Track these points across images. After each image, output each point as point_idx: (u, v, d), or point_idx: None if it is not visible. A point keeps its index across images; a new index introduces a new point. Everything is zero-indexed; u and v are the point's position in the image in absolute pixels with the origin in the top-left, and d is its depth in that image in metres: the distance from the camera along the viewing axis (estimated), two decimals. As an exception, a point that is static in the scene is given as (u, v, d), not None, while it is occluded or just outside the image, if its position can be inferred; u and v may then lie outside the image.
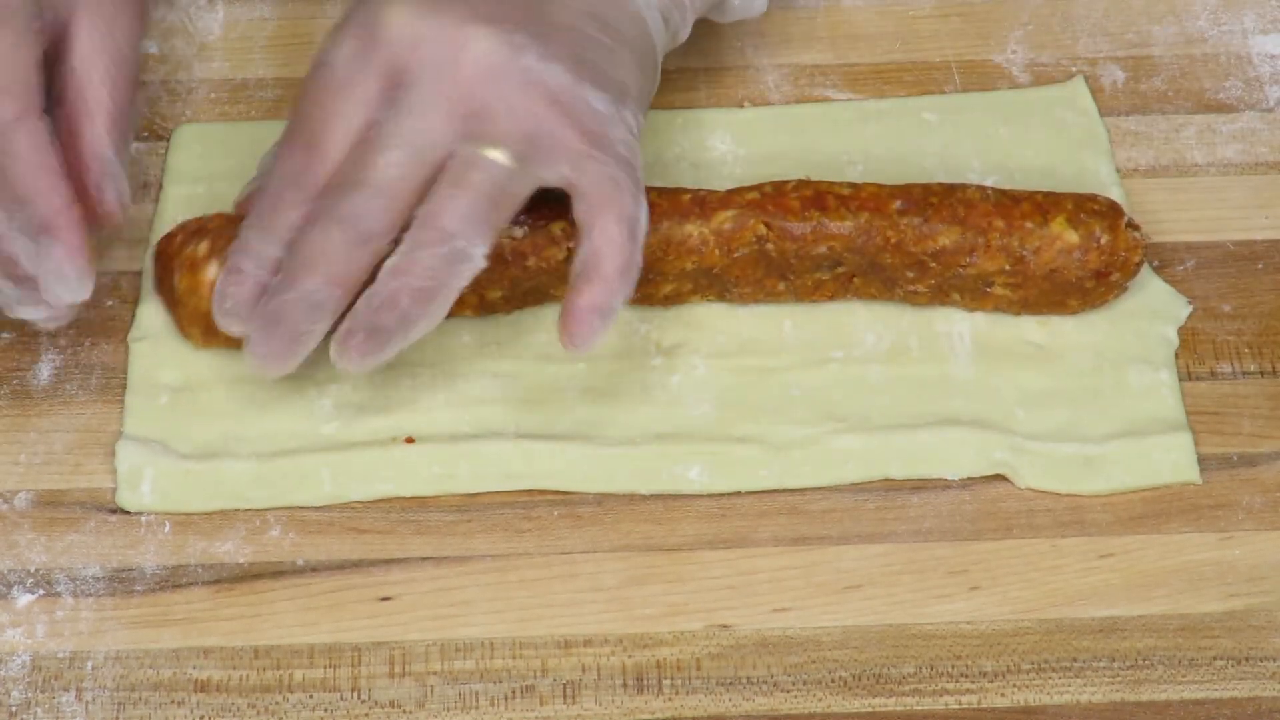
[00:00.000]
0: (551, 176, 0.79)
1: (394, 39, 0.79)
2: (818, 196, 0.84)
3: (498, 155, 0.78)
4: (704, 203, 0.84)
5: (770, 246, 0.83)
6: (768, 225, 0.83)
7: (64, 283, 0.79)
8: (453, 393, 0.85)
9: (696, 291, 0.86)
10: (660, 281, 0.84)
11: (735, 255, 0.84)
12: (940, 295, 0.86)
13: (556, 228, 0.83)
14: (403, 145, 0.78)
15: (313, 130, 0.79)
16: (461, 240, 0.77)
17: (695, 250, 0.83)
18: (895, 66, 0.96)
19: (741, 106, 0.95)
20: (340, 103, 0.79)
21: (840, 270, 0.85)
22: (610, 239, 0.78)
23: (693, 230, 0.83)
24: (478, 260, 0.78)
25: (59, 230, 0.79)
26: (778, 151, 0.92)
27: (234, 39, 0.97)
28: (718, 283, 0.85)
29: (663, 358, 0.86)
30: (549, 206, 0.83)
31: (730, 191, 0.84)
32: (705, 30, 0.97)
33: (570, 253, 0.82)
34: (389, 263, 0.78)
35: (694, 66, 0.95)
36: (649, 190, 0.83)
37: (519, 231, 0.82)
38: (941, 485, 0.83)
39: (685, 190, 0.84)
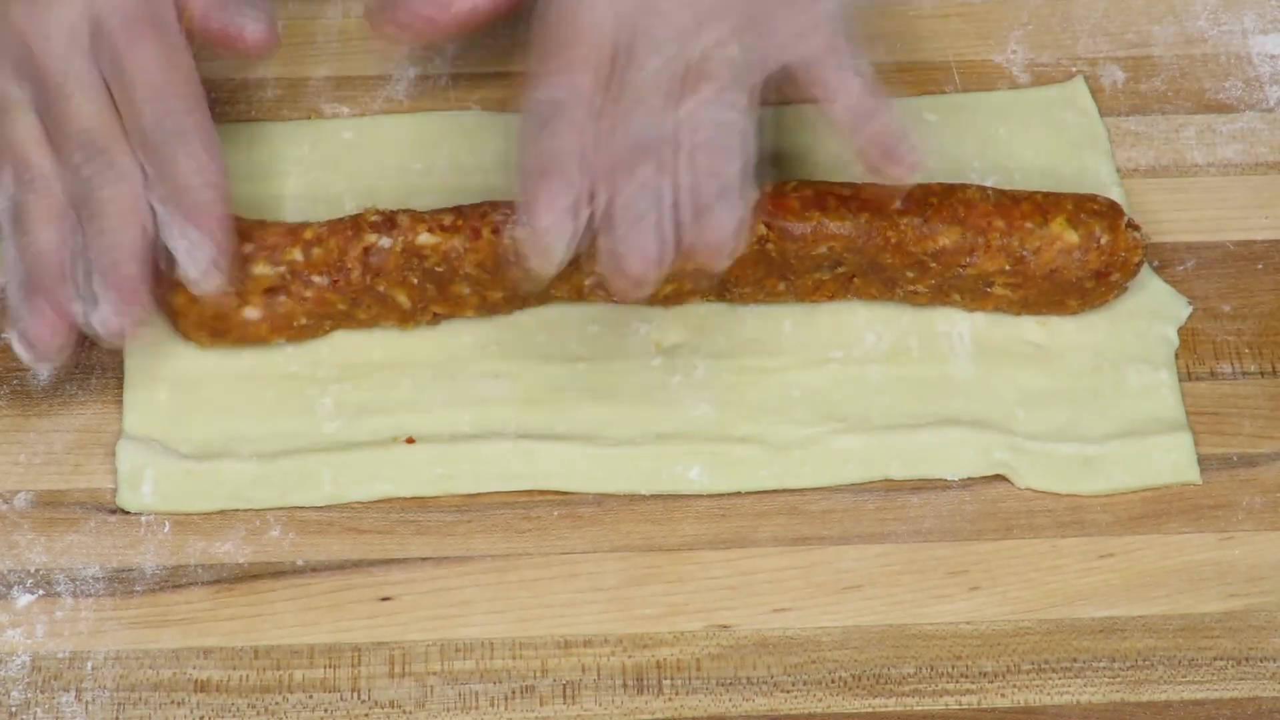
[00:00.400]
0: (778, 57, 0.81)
1: None
2: (818, 196, 0.84)
3: (732, 50, 0.80)
4: None
5: (770, 246, 0.83)
6: (768, 225, 0.83)
7: (196, 263, 0.80)
8: (453, 393, 0.85)
9: (696, 292, 0.86)
10: (660, 282, 0.84)
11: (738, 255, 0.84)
12: (940, 295, 0.86)
13: None
14: (661, 53, 0.79)
15: (569, 58, 0.80)
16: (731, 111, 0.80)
17: None
18: (895, 66, 0.96)
19: (741, 106, 0.95)
20: (584, 24, 0.80)
21: (840, 270, 0.85)
22: (851, 90, 0.81)
23: None
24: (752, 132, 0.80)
25: (208, 226, 0.80)
26: (778, 151, 0.92)
27: (234, 39, 0.97)
28: (718, 283, 0.85)
29: (663, 358, 0.86)
30: None
31: None
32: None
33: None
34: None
35: (694, 66, 0.95)
36: None
37: (520, 232, 0.82)
38: (941, 485, 0.83)
39: None
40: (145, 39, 0.81)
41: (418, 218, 0.83)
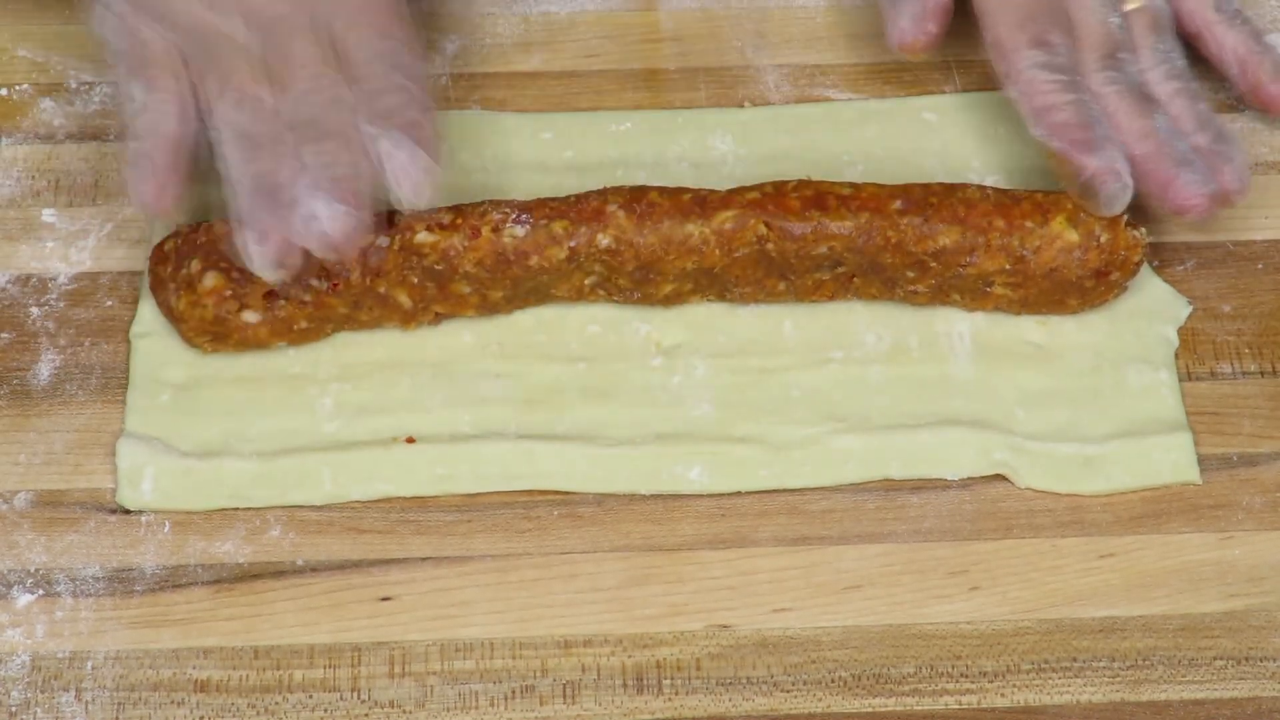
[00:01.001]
0: None
1: None
2: (818, 196, 0.84)
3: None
4: (704, 202, 0.84)
5: (770, 246, 0.83)
6: (768, 225, 0.83)
7: (410, 178, 0.81)
8: (453, 393, 0.85)
9: (697, 291, 0.86)
10: (660, 281, 0.84)
11: (736, 255, 0.84)
12: (940, 295, 0.86)
13: (558, 226, 0.83)
14: (1110, 6, 0.89)
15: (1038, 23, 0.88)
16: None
17: (696, 250, 0.83)
18: (895, 66, 0.96)
19: (742, 106, 0.95)
20: None
21: (840, 270, 0.85)
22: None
23: (693, 230, 0.83)
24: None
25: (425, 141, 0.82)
26: (778, 151, 0.92)
27: (234, 39, 0.97)
28: (718, 282, 0.85)
29: (663, 358, 0.86)
30: (550, 206, 0.83)
31: (731, 191, 0.84)
32: (706, 30, 0.97)
33: (572, 252, 0.82)
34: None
35: (694, 66, 0.96)
36: (648, 189, 0.83)
37: (520, 230, 0.83)
38: (941, 485, 0.83)
39: (686, 190, 0.84)
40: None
41: (415, 215, 0.83)
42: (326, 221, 0.79)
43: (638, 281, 0.84)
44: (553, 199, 0.84)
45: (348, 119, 0.82)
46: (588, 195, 0.84)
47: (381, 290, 0.84)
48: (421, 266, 0.83)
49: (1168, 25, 0.90)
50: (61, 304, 0.87)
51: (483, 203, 0.84)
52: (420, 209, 0.82)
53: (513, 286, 0.84)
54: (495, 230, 0.83)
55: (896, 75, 0.95)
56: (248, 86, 0.83)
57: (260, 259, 0.80)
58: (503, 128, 0.93)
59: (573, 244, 0.82)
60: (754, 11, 0.98)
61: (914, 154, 0.92)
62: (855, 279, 0.85)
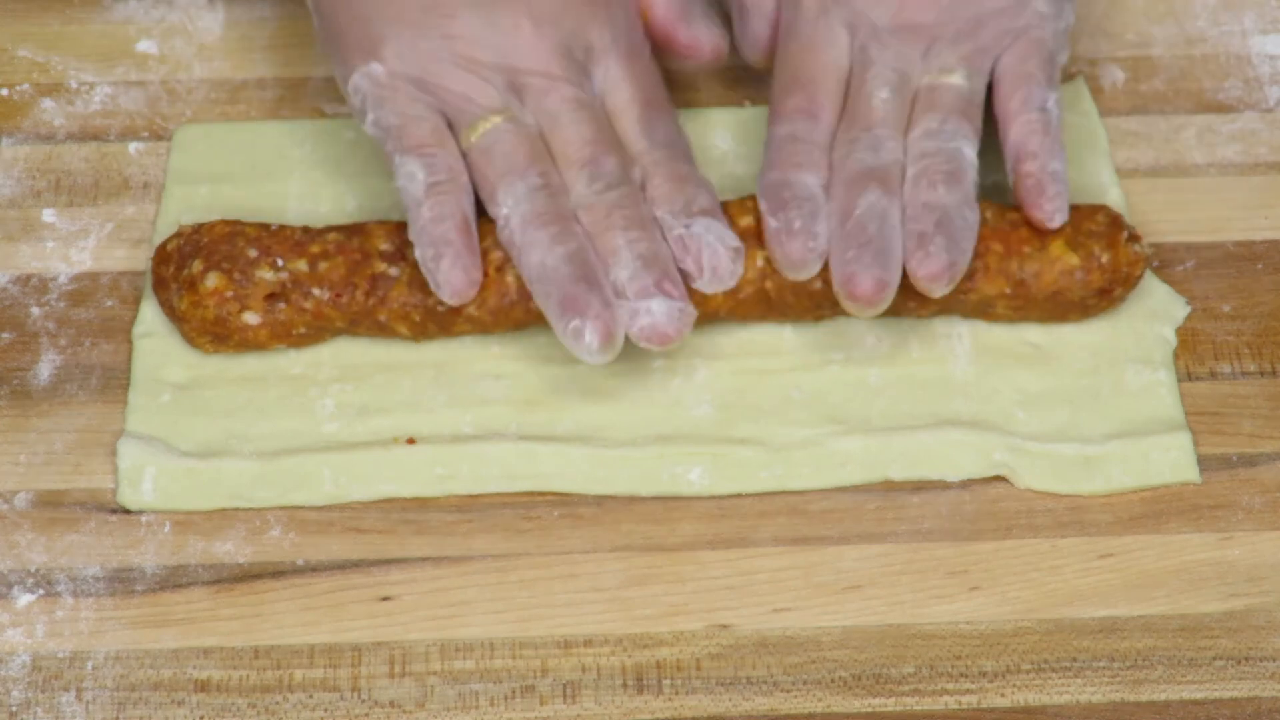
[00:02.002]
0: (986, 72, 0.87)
1: None
2: None
3: (956, 79, 0.86)
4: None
5: (769, 284, 0.83)
6: (767, 260, 0.83)
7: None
8: (454, 393, 0.85)
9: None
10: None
11: (740, 297, 0.84)
12: (943, 315, 0.86)
13: None
14: (889, 84, 0.85)
15: (811, 93, 0.86)
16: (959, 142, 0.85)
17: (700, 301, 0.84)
18: (895, 66, 0.96)
19: (742, 105, 0.95)
20: (821, 61, 0.86)
21: (840, 307, 0.85)
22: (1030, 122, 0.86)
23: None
24: (974, 158, 0.85)
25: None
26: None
27: (234, 39, 0.97)
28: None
29: (663, 359, 0.86)
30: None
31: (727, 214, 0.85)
32: (705, 30, 0.97)
33: None
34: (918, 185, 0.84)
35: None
36: None
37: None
38: (941, 485, 0.83)
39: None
40: (633, 60, 0.87)
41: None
42: (662, 317, 0.80)
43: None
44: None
45: (642, 205, 0.83)
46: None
47: (381, 318, 0.84)
48: (424, 306, 0.83)
49: (956, 106, 0.85)
50: (62, 304, 0.87)
51: (484, 238, 0.84)
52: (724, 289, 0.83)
53: (515, 328, 0.84)
54: (499, 270, 0.83)
55: (896, 75, 0.95)
56: (536, 165, 0.83)
57: (592, 345, 0.80)
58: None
59: None
60: (754, 11, 0.98)
61: (914, 154, 0.92)
62: None
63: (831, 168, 0.84)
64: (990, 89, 0.87)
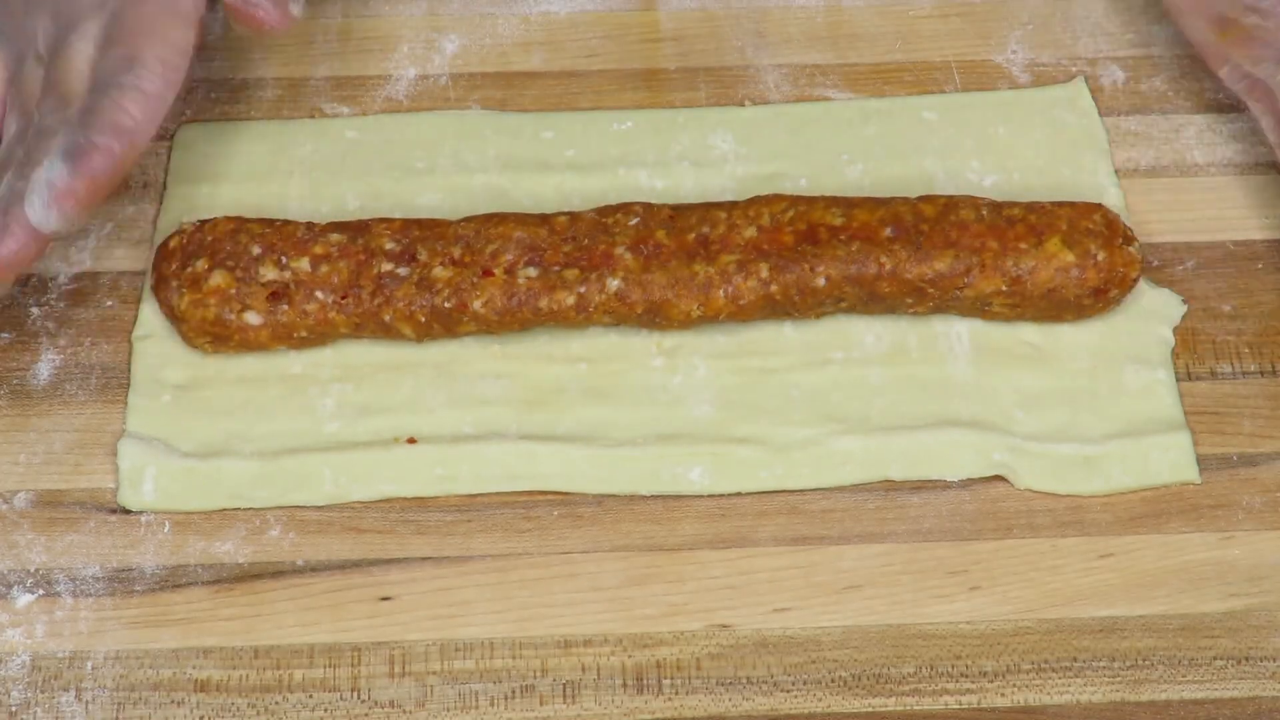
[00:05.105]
0: None
1: None
2: (810, 230, 0.84)
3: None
4: (707, 244, 0.84)
5: (775, 289, 0.83)
6: (769, 266, 0.83)
7: (39, 209, 0.80)
8: (454, 393, 0.85)
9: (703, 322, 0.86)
10: (666, 325, 0.85)
11: (741, 303, 0.84)
12: (940, 313, 0.86)
13: (570, 274, 0.83)
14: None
15: None
16: None
17: (701, 291, 0.83)
18: (895, 66, 0.96)
19: (742, 105, 0.95)
20: None
21: (843, 304, 0.85)
22: None
23: (699, 270, 0.83)
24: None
25: (86, 164, 0.80)
26: (778, 150, 0.92)
27: (234, 39, 0.97)
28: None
29: (664, 358, 0.86)
30: (564, 253, 0.83)
31: (729, 231, 0.84)
32: (706, 30, 0.97)
33: (581, 299, 0.82)
34: None
35: (695, 66, 0.96)
36: (653, 231, 0.85)
37: (533, 271, 0.83)
38: (941, 485, 0.83)
39: (689, 230, 0.84)
40: (159, 17, 0.84)
41: (433, 252, 0.83)
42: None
43: (645, 322, 0.85)
44: (560, 243, 0.84)
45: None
46: (595, 243, 0.84)
47: (387, 319, 0.84)
48: (430, 305, 0.83)
49: None
50: (61, 304, 0.87)
51: (494, 242, 0.84)
52: (46, 229, 0.80)
53: (521, 327, 0.84)
54: (509, 271, 0.83)
55: (896, 75, 0.95)
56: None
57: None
58: (504, 127, 0.93)
59: (582, 290, 0.83)
60: (754, 11, 0.98)
61: (914, 154, 0.92)
62: (857, 308, 0.86)
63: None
64: None
